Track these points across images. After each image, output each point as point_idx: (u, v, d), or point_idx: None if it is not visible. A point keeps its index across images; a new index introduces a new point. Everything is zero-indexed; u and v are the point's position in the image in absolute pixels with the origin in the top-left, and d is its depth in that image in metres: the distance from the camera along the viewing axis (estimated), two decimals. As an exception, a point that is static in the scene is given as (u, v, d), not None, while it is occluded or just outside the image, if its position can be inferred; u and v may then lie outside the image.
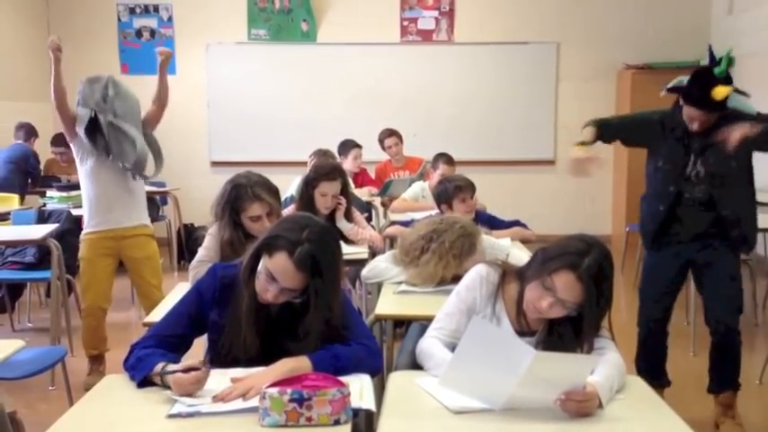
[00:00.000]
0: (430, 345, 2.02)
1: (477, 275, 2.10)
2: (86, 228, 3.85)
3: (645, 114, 3.37)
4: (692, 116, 3.07)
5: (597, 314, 1.91)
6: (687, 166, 3.15)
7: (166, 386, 1.78)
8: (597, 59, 7.79)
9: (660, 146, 3.24)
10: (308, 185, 3.69)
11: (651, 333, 3.37)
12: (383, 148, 6.17)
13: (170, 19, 7.87)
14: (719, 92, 2.94)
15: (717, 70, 3.02)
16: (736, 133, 2.87)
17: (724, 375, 3.28)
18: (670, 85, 3.23)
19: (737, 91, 3.07)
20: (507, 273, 2.09)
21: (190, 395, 1.73)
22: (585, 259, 1.87)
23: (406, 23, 7.89)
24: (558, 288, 1.88)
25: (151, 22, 7.88)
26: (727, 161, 3.08)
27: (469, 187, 3.84)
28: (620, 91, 7.74)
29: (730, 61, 3.03)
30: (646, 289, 3.41)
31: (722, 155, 3.04)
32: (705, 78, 3.02)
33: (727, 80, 3.00)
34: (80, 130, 3.66)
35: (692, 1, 7.76)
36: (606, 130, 3.28)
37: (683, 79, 3.15)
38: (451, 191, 3.86)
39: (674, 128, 3.18)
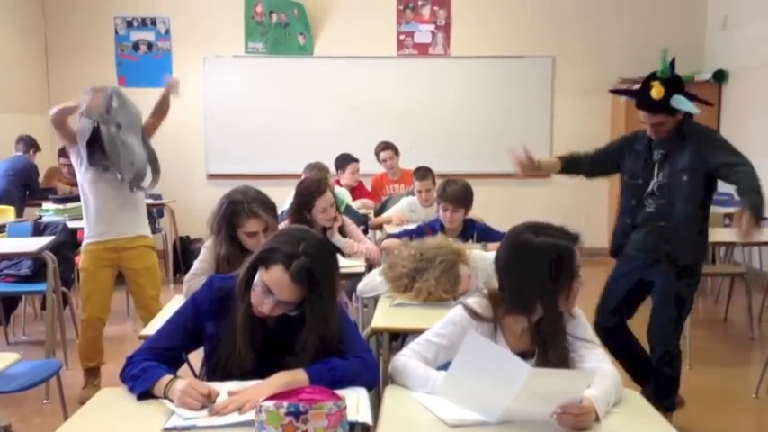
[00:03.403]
0: (405, 363, 1.99)
1: (468, 321, 2.03)
2: (87, 238, 3.84)
3: (610, 144, 3.49)
4: (641, 119, 3.15)
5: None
6: (651, 179, 3.20)
7: (168, 398, 1.78)
8: (593, 74, 7.83)
9: (624, 163, 3.32)
10: (305, 208, 3.66)
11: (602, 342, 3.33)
12: (379, 161, 6.19)
13: (167, 32, 7.90)
14: (655, 90, 3.02)
15: (658, 70, 3.08)
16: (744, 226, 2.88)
17: (658, 392, 3.22)
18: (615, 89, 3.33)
19: (685, 93, 3.07)
20: (497, 305, 2.03)
21: (191, 408, 1.72)
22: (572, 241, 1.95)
23: (402, 37, 7.93)
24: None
25: (148, 36, 7.91)
26: (679, 174, 3.13)
27: (451, 200, 3.79)
28: (615, 105, 7.78)
29: (665, 62, 3.07)
30: (602, 297, 3.41)
31: (676, 168, 3.11)
32: (647, 80, 3.09)
33: (671, 81, 3.04)
34: (81, 142, 3.65)
35: (687, 16, 7.82)
36: (572, 167, 3.42)
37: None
38: (437, 196, 3.94)
39: (636, 144, 3.27)
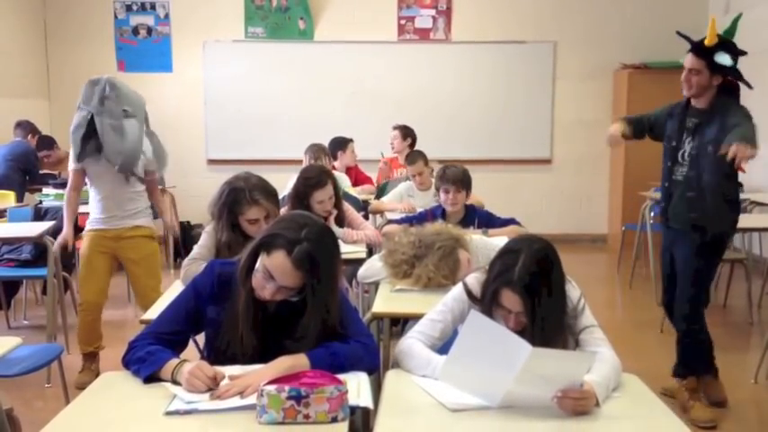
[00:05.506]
0: (410, 345, 2.02)
1: (466, 291, 2.09)
2: (88, 224, 3.89)
3: (660, 111, 3.55)
4: (684, 64, 3.22)
5: (551, 307, 1.90)
6: (682, 144, 3.29)
7: (176, 381, 1.79)
8: (594, 59, 7.79)
9: (665, 127, 3.42)
10: (302, 198, 3.66)
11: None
12: None
13: (167, 16, 7.85)
14: (708, 39, 3.14)
15: (724, 29, 3.20)
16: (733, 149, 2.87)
17: (684, 365, 3.42)
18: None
19: (733, 60, 3.18)
20: None
21: (198, 390, 1.74)
22: (515, 270, 1.88)
23: (403, 22, 7.89)
24: (508, 306, 1.91)
25: (148, 20, 7.86)
26: (706, 145, 3.20)
27: (452, 181, 3.81)
28: (617, 90, 7.75)
29: (734, 26, 3.27)
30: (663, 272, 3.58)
31: (704, 140, 3.20)
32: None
33: (728, 43, 3.18)
34: (74, 133, 3.67)
35: (689, 0, 7.77)
36: (637, 126, 3.53)
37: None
38: (437, 180, 3.95)
39: (675, 108, 3.38)
